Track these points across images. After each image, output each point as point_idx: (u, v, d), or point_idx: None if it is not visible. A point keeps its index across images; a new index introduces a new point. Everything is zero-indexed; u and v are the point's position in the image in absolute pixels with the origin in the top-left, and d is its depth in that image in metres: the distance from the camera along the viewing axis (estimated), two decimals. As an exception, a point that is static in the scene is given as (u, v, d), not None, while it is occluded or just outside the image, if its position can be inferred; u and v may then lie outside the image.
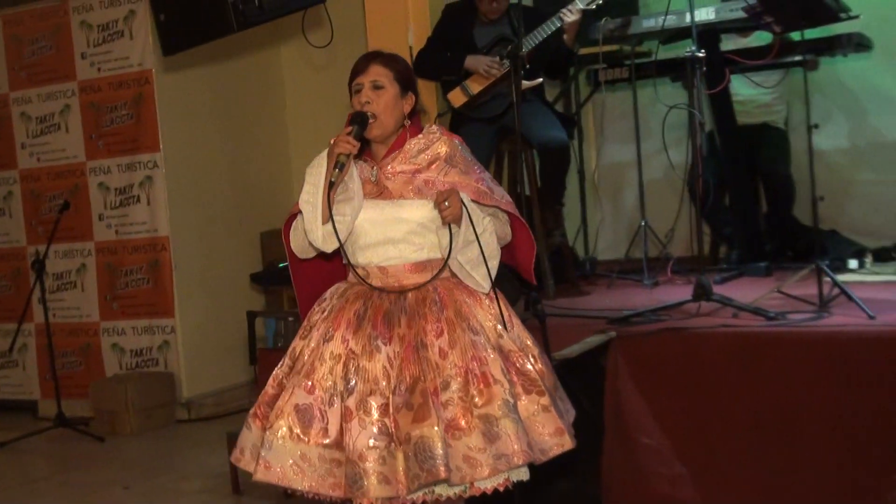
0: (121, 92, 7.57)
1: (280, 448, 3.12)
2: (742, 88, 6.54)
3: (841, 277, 4.92)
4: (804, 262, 5.76)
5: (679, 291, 5.49)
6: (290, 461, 3.11)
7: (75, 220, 7.69)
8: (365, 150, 3.35)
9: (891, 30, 6.44)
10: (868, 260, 5.97)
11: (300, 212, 3.32)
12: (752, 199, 6.65)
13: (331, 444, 3.12)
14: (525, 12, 5.59)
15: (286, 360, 3.35)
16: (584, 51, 6.64)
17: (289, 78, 8.52)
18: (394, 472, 3.04)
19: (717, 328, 4.59)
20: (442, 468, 2.99)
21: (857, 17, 5.03)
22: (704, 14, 5.93)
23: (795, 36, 5.61)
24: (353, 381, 3.14)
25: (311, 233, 3.26)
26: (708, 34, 5.97)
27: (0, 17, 8.03)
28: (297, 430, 3.13)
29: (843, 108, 6.87)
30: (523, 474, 3.16)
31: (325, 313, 3.33)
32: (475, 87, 5.82)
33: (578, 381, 4.36)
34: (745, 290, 5.31)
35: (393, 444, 3.06)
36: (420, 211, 3.26)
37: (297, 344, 3.36)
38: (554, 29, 5.65)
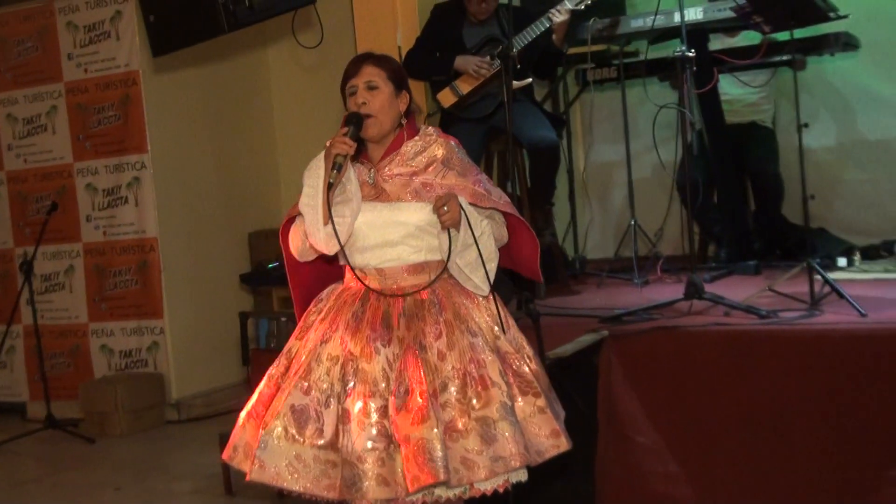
0: (108, 93, 7.55)
1: (275, 448, 3.12)
2: (730, 88, 6.57)
3: (830, 275, 4.94)
4: (793, 261, 5.80)
5: (669, 290, 5.51)
6: (285, 462, 3.11)
7: (63, 221, 7.67)
8: (361, 151, 3.35)
9: (877, 29, 6.48)
10: (857, 258, 5.98)
11: (298, 214, 3.31)
12: (741, 197, 6.68)
13: (326, 445, 3.12)
14: (514, 12, 5.60)
15: (282, 360, 3.35)
16: (572, 50, 6.65)
17: (276, 79, 8.52)
18: (393, 473, 3.05)
19: (710, 326, 4.60)
20: (441, 471, 2.99)
21: (845, 16, 5.06)
22: (693, 14, 5.96)
23: (783, 35, 5.66)
24: (352, 383, 3.15)
25: (313, 235, 3.25)
26: (696, 34, 5.99)
27: (-15, 18, 8.01)
28: (293, 431, 3.12)
29: (830, 107, 6.91)
30: (522, 476, 3.18)
31: (322, 314, 3.34)
32: (465, 87, 5.83)
33: (571, 380, 4.38)
34: (736, 289, 5.32)
35: (392, 445, 3.06)
36: (418, 214, 3.26)
37: (292, 344, 3.36)
38: (543, 29, 5.66)
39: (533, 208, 5.96)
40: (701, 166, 6.24)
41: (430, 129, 3.46)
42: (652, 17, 5.93)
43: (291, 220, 3.41)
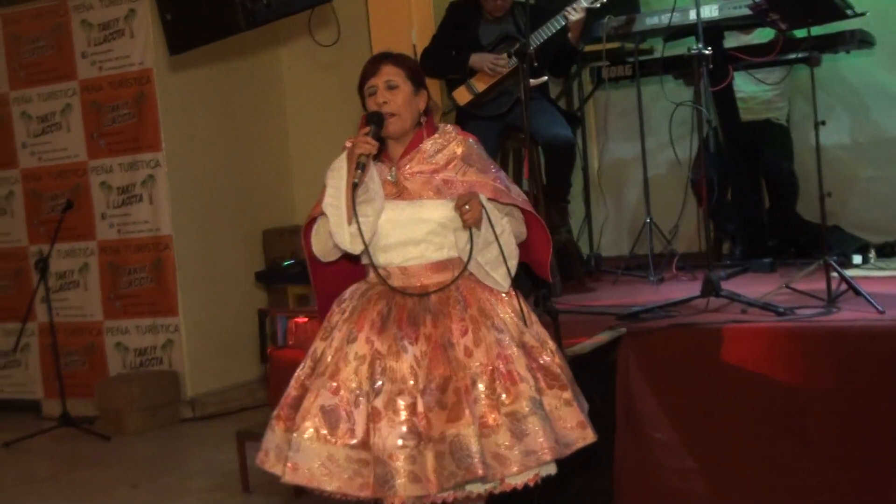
0: (122, 91, 7.58)
1: (308, 449, 3.13)
2: (745, 85, 6.56)
3: (846, 273, 4.94)
4: (807, 258, 5.79)
5: (685, 288, 5.52)
6: (318, 462, 3.12)
7: (77, 219, 7.70)
8: (381, 150, 3.36)
9: (893, 26, 6.46)
10: (872, 255, 5.98)
11: (321, 215, 3.32)
12: (755, 195, 6.67)
13: (357, 444, 3.13)
14: (530, 10, 5.60)
15: (307, 362, 3.36)
16: (586, 48, 6.66)
17: (289, 77, 8.53)
18: (423, 470, 3.06)
19: (727, 324, 4.60)
20: (480, 466, 3.02)
21: (863, 14, 5.06)
22: (708, 11, 5.94)
23: (799, 33, 5.65)
24: (380, 382, 3.15)
25: (338, 235, 3.26)
26: (711, 31, 5.98)
27: (-1, 16, 8.04)
28: (324, 431, 3.14)
29: (845, 105, 6.90)
30: (551, 469, 3.20)
31: (347, 314, 3.34)
32: (480, 85, 5.83)
33: (589, 376, 4.37)
34: (751, 286, 5.32)
35: (422, 443, 3.08)
36: (440, 211, 3.28)
37: (318, 345, 3.36)
38: (559, 27, 5.67)
39: (548, 206, 5.96)
40: (715, 164, 6.24)
41: (449, 127, 3.48)
42: (665, 15, 5.93)
43: (313, 221, 3.42)
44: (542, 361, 3.27)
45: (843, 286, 4.84)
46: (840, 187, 6.53)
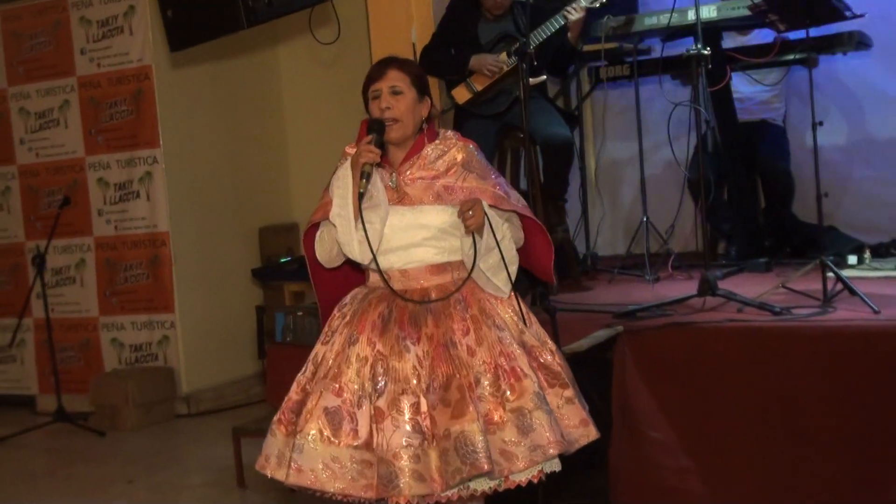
0: (120, 87, 7.57)
1: (311, 451, 3.14)
2: (742, 85, 6.59)
3: (841, 273, 4.96)
4: (803, 258, 5.82)
5: (681, 287, 5.52)
6: (321, 464, 3.13)
7: (74, 215, 7.69)
8: (382, 156, 3.35)
9: (890, 28, 6.48)
10: (867, 256, 6.00)
11: (324, 220, 3.35)
12: (752, 195, 6.70)
13: (361, 445, 3.13)
14: (529, 9, 5.61)
15: (308, 366, 3.36)
16: (585, 48, 6.68)
17: (287, 75, 8.54)
18: (428, 469, 3.06)
19: (723, 323, 4.62)
20: (485, 461, 3.03)
21: (861, 15, 5.08)
22: (706, 12, 5.98)
23: (796, 34, 5.67)
24: (383, 382, 3.16)
25: (347, 245, 3.28)
26: (710, 32, 6.00)
27: (-1, 12, 8.04)
28: (328, 433, 3.14)
29: (841, 106, 6.92)
30: (556, 465, 3.23)
31: (347, 318, 3.35)
32: (479, 84, 5.84)
33: (586, 374, 4.39)
34: (747, 286, 5.34)
35: (426, 441, 3.08)
36: (441, 216, 3.30)
37: (319, 349, 3.37)
38: (558, 27, 5.68)
39: (546, 205, 5.97)
40: (712, 164, 6.25)
41: (450, 133, 3.49)
42: (664, 15, 5.95)
43: (314, 226, 3.43)
44: (542, 360, 3.29)
45: (839, 286, 4.86)
46: (836, 188, 6.55)
